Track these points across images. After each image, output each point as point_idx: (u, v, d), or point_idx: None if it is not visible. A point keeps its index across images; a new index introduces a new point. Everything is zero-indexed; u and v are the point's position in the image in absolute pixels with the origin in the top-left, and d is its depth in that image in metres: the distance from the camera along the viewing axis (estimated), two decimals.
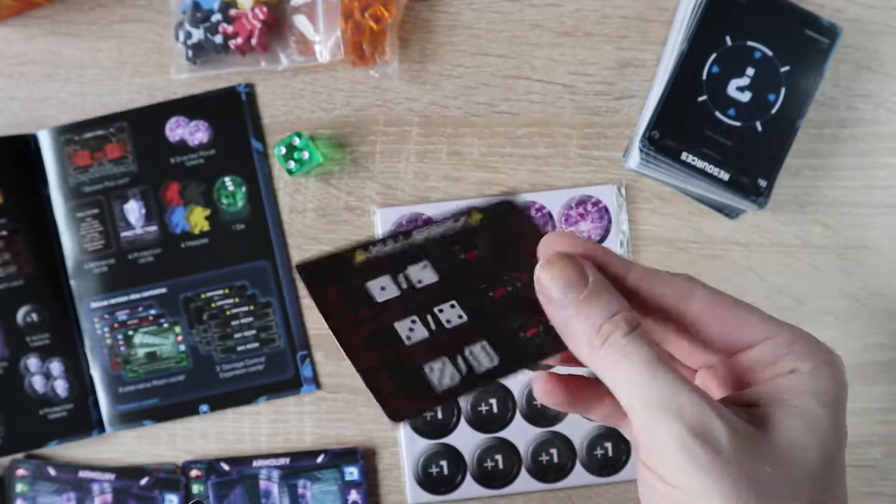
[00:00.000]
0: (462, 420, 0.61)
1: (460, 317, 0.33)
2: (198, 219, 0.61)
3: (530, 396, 0.61)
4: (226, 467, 0.61)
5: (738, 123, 0.57)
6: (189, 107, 0.61)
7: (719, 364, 0.35)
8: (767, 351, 0.32)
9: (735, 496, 0.29)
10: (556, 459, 0.61)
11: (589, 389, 0.36)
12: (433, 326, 0.33)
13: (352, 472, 0.61)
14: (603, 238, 0.61)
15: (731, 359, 0.34)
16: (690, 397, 0.29)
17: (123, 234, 0.61)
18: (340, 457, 0.61)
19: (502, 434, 0.61)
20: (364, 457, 0.61)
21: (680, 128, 0.56)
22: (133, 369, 0.61)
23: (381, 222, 0.61)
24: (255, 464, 0.61)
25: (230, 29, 0.59)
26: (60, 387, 0.61)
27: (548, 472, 0.61)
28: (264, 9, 0.59)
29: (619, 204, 0.61)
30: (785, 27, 0.57)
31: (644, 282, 0.33)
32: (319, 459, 0.61)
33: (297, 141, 0.59)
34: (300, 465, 0.61)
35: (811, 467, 0.30)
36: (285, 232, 0.62)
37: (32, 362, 0.61)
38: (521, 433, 0.61)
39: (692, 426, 0.29)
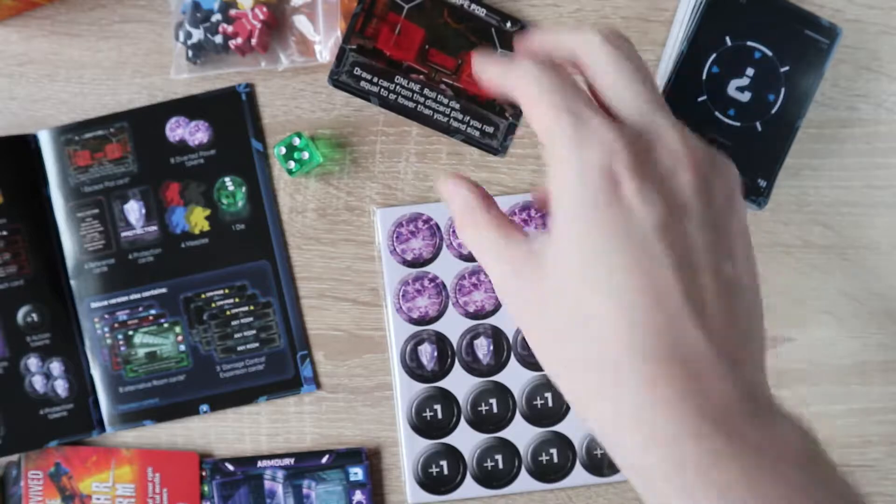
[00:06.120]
0: (462, 420, 0.61)
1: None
2: (198, 219, 0.61)
3: (530, 396, 0.61)
4: (230, 467, 0.61)
5: (737, 124, 0.57)
6: (189, 107, 0.61)
7: None
8: None
9: None
10: (556, 459, 0.61)
11: None
12: None
13: (357, 473, 0.61)
14: None
15: None
16: None
17: (123, 234, 0.61)
18: (345, 457, 0.61)
19: (502, 434, 0.61)
20: (368, 457, 0.61)
21: None
22: (133, 369, 0.61)
23: (381, 222, 0.61)
24: (259, 464, 0.61)
25: (230, 29, 0.59)
26: (61, 387, 0.61)
27: (548, 472, 0.61)
28: (264, 9, 0.59)
29: None
30: (785, 27, 0.57)
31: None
32: (324, 460, 0.61)
33: (297, 141, 0.59)
34: (305, 465, 0.61)
35: None
36: (285, 232, 0.62)
37: (33, 362, 0.61)
38: (521, 433, 0.61)
39: None
